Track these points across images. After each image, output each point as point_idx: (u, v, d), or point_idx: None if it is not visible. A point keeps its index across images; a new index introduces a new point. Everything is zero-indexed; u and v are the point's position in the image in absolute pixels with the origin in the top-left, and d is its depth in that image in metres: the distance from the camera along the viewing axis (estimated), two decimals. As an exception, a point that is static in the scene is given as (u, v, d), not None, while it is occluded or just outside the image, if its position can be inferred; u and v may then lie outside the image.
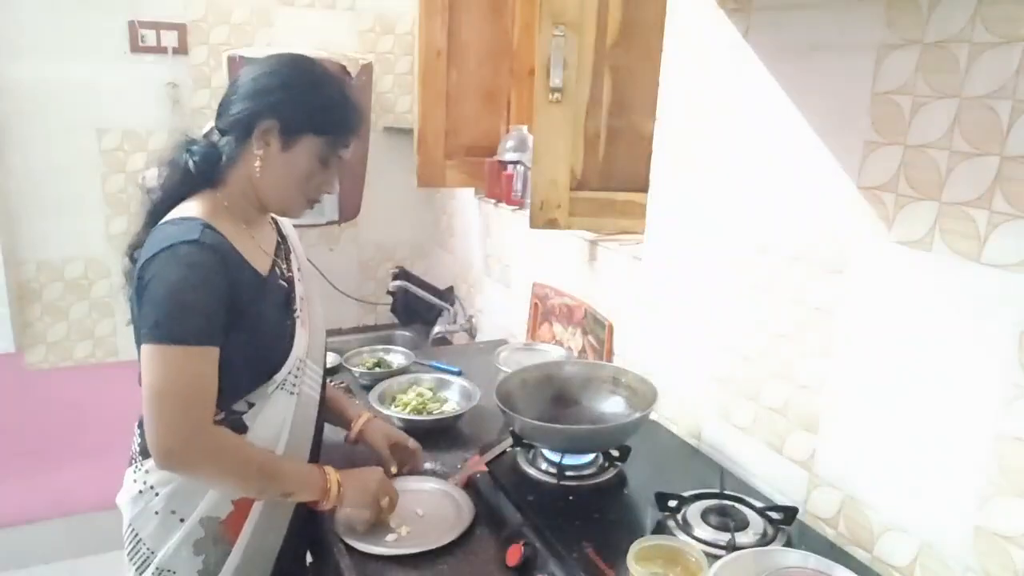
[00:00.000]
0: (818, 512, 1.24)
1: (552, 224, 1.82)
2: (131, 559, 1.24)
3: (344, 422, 1.46)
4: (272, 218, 1.37)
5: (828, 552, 1.11)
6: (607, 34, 1.74)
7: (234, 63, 2.45)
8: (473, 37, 2.40)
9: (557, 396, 1.51)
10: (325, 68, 1.25)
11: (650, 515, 1.23)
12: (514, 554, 1.13)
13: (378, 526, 1.24)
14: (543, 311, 2.12)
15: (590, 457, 1.38)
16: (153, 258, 1.10)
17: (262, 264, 1.23)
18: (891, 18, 1.07)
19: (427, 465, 1.46)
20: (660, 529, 1.18)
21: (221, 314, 1.11)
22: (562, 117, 1.74)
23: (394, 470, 1.39)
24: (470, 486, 1.36)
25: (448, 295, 2.85)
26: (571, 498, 1.29)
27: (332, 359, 1.88)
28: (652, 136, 1.62)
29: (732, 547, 1.10)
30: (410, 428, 1.58)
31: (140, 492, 1.21)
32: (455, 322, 2.74)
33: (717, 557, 1.05)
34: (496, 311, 2.52)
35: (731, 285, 1.41)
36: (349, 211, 2.77)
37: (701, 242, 1.49)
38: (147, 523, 1.21)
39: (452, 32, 2.36)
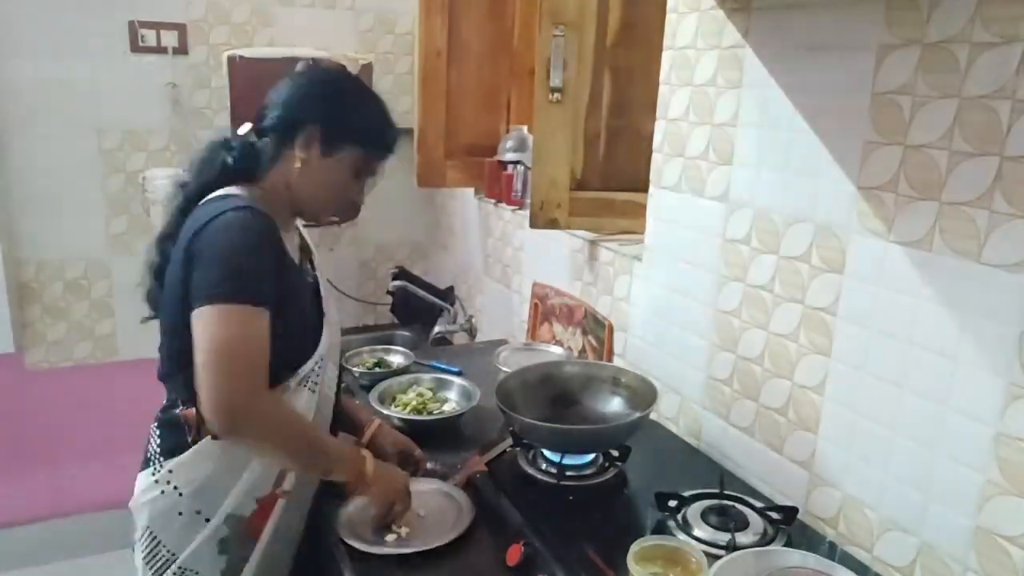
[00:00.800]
0: (818, 512, 1.24)
1: (552, 224, 1.82)
2: (148, 563, 1.21)
3: (355, 427, 1.45)
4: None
5: (828, 552, 1.11)
6: (607, 34, 1.74)
7: (234, 63, 2.45)
8: (473, 37, 2.40)
9: (557, 396, 1.51)
10: (370, 87, 1.31)
11: (650, 515, 1.23)
12: (514, 554, 1.13)
13: (378, 526, 1.24)
14: (543, 311, 2.12)
15: (590, 457, 1.38)
16: (204, 227, 1.10)
17: (295, 258, 1.26)
18: (891, 18, 1.07)
19: (427, 465, 1.46)
20: (660, 529, 1.18)
21: (275, 278, 1.12)
22: (562, 117, 1.74)
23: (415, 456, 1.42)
24: (470, 486, 1.36)
25: (448, 295, 2.85)
26: (571, 498, 1.29)
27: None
28: (652, 136, 1.62)
29: (732, 547, 1.10)
30: (410, 428, 1.58)
31: (163, 493, 1.18)
32: (455, 322, 2.74)
33: (717, 557, 1.05)
34: (496, 311, 2.52)
35: (731, 285, 1.41)
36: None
37: (701, 241, 1.49)
38: (169, 524, 1.19)
39: (452, 32, 2.36)
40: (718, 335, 1.46)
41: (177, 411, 1.19)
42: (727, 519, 1.17)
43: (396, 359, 1.98)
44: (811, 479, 1.26)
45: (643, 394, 1.43)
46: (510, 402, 1.39)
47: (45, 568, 2.74)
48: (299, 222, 1.36)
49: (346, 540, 1.20)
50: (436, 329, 2.69)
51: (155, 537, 1.20)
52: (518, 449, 1.42)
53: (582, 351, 1.92)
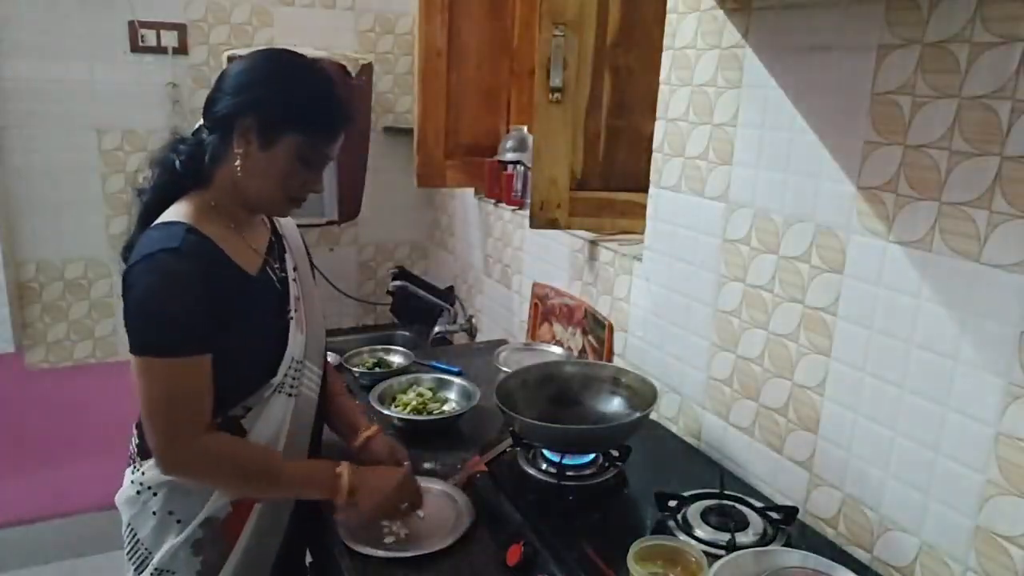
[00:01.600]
0: (818, 512, 1.24)
1: (552, 224, 1.82)
2: (130, 558, 1.24)
3: (352, 430, 1.40)
4: (267, 217, 1.36)
5: (828, 552, 1.11)
6: (607, 34, 1.74)
7: (234, 63, 2.45)
8: (473, 37, 2.40)
9: (557, 396, 1.51)
10: (310, 63, 1.19)
11: (650, 515, 1.23)
12: (514, 554, 1.13)
13: (374, 526, 1.23)
14: (543, 311, 2.12)
15: (590, 457, 1.38)
16: (134, 266, 1.09)
17: (252, 264, 1.21)
18: (891, 18, 1.07)
19: (427, 465, 1.46)
20: (660, 529, 1.18)
21: (206, 322, 1.09)
22: (562, 117, 1.74)
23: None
24: (470, 486, 1.36)
25: (448, 295, 2.85)
26: (571, 498, 1.29)
27: (332, 359, 1.88)
28: (652, 136, 1.62)
29: (732, 547, 1.10)
30: (410, 428, 1.58)
31: (138, 493, 1.21)
32: (455, 322, 2.74)
33: (717, 557, 1.05)
34: (496, 311, 2.52)
35: (731, 285, 1.41)
36: (349, 211, 2.77)
37: (701, 242, 1.49)
38: (145, 523, 1.21)
39: (452, 32, 2.36)
40: (718, 335, 1.46)
41: None
42: (727, 519, 1.17)
43: (396, 359, 1.98)
44: (811, 479, 1.26)
45: (643, 394, 1.43)
46: (510, 402, 1.39)
47: (45, 568, 2.75)
48: (285, 219, 1.34)
49: (346, 542, 1.20)
50: (436, 329, 2.69)
51: (135, 534, 1.23)
52: (518, 449, 1.42)
53: (582, 351, 1.92)
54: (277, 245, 1.31)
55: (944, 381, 1.03)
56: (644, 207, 1.67)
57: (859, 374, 1.16)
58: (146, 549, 1.21)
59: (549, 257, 2.12)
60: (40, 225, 2.58)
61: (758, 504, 1.23)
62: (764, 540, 1.14)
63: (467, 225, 2.75)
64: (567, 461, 1.35)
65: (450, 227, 2.94)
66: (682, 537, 1.14)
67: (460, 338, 2.70)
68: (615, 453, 1.38)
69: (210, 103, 1.17)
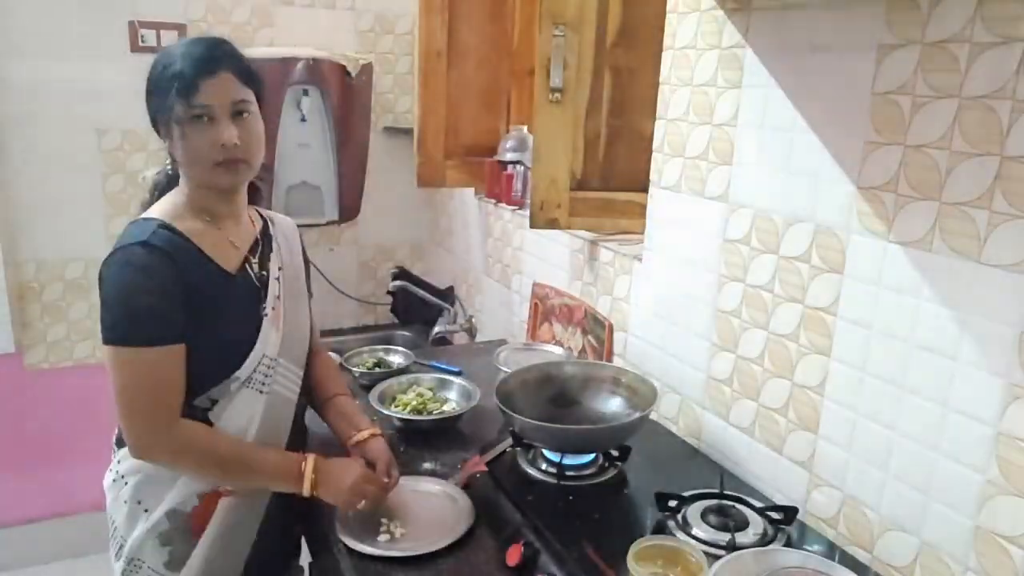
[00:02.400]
0: (818, 512, 1.24)
1: (552, 224, 1.82)
2: (111, 544, 1.28)
3: (349, 428, 1.36)
4: (260, 214, 1.37)
5: (828, 552, 1.11)
6: (607, 34, 1.74)
7: (234, 63, 2.45)
8: (473, 37, 2.40)
9: (557, 396, 1.51)
10: (166, 47, 1.21)
11: (650, 515, 1.23)
12: (514, 554, 1.13)
13: (372, 525, 1.23)
14: (543, 311, 2.12)
15: (590, 457, 1.38)
16: (107, 259, 1.13)
17: (229, 259, 1.24)
18: (891, 18, 1.07)
19: (427, 465, 1.46)
20: (660, 529, 1.18)
21: (176, 313, 1.13)
22: (562, 117, 1.74)
23: (386, 479, 1.30)
24: (470, 486, 1.36)
25: (448, 295, 2.85)
26: (571, 498, 1.29)
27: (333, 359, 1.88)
28: (652, 136, 1.62)
29: (732, 547, 1.10)
30: (410, 428, 1.58)
31: (114, 481, 1.25)
32: (455, 322, 2.74)
33: (717, 557, 1.05)
34: (496, 311, 2.52)
35: (731, 285, 1.41)
36: (349, 211, 2.77)
37: (701, 242, 1.49)
38: (118, 511, 1.25)
39: (452, 32, 2.36)
40: (718, 335, 1.46)
41: None
42: (727, 519, 1.17)
43: (396, 359, 1.98)
44: (811, 479, 1.26)
45: (643, 394, 1.43)
46: (510, 402, 1.39)
47: (45, 568, 2.74)
48: (276, 213, 1.36)
49: (345, 541, 1.20)
50: (436, 329, 2.70)
51: (113, 521, 1.27)
52: (518, 449, 1.42)
53: (582, 351, 1.92)
54: (263, 244, 1.32)
55: (944, 381, 1.03)
56: (644, 207, 1.67)
57: (859, 374, 1.16)
58: (121, 536, 1.25)
59: (549, 257, 2.12)
60: (40, 225, 2.58)
61: (758, 504, 1.23)
62: (764, 540, 1.14)
63: (467, 225, 2.75)
64: (567, 461, 1.35)
65: (450, 227, 2.94)
66: (682, 537, 1.14)
67: (460, 338, 2.70)
68: (615, 453, 1.38)
69: None
